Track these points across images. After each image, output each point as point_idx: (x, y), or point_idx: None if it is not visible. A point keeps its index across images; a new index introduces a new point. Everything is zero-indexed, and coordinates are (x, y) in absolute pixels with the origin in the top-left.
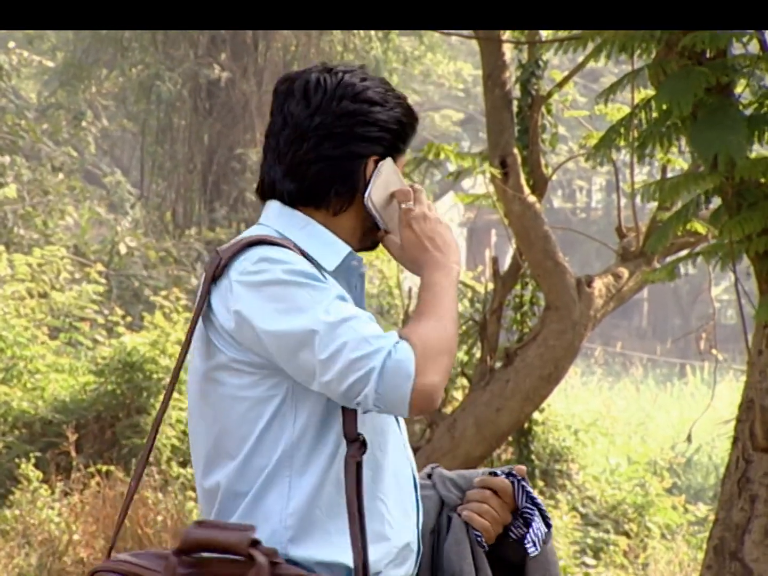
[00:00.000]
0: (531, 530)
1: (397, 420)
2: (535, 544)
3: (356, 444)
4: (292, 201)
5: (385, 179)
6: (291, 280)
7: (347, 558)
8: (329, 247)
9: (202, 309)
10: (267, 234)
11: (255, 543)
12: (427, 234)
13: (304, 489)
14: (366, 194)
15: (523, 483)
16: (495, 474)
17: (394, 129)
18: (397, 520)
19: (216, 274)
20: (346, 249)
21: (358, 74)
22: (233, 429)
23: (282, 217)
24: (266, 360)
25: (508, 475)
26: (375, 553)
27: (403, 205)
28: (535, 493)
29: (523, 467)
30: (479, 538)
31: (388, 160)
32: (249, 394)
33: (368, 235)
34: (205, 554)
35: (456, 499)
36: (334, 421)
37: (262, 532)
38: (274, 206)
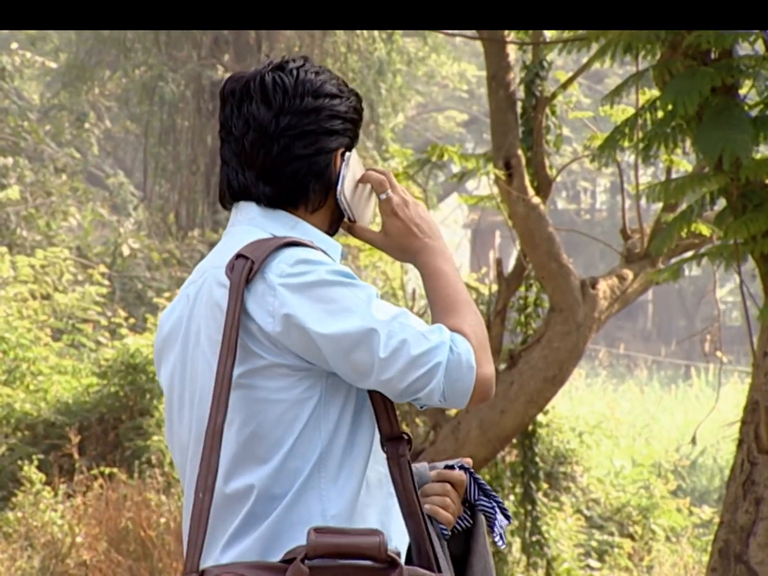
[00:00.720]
0: (495, 525)
1: None
2: (501, 537)
3: (403, 442)
4: (271, 203)
5: (352, 170)
6: (335, 280)
7: None
8: (326, 244)
9: (240, 314)
10: (295, 236)
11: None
12: (414, 220)
13: (346, 491)
14: (338, 188)
15: (476, 476)
16: (451, 467)
17: (354, 119)
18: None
19: (249, 278)
20: (338, 245)
21: (309, 68)
22: (266, 432)
23: (269, 218)
24: (306, 362)
25: (461, 467)
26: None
27: (382, 195)
28: (487, 485)
29: (469, 459)
30: (444, 532)
31: (354, 151)
32: (285, 397)
33: (336, 225)
34: (329, 561)
35: None
36: (365, 424)
37: (302, 534)
38: (252, 208)
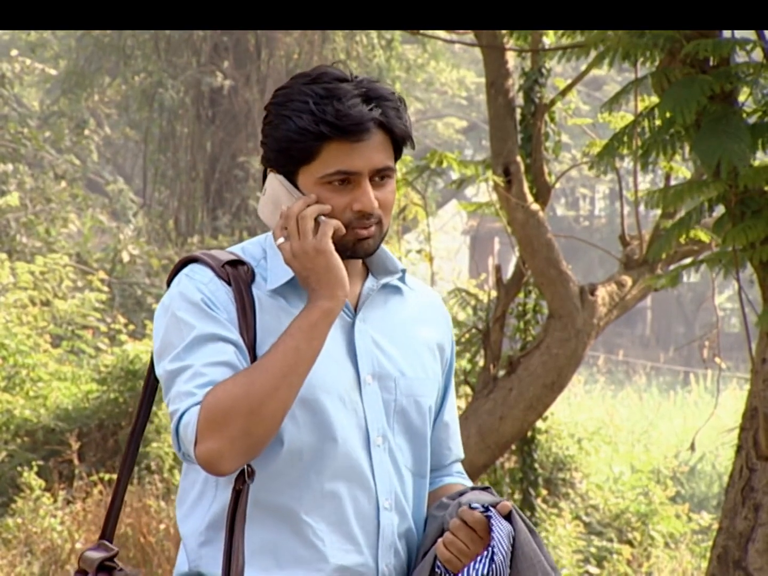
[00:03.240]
0: (468, 567)
1: (368, 444)
2: None
3: (243, 474)
4: None
5: (271, 194)
6: (175, 313)
7: None
8: (285, 265)
9: None
10: (206, 251)
11: (103, 567)
12: (301, 274)
13: (217, 507)
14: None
15: (493, 521)
16: (476, 508)
17: (271, 145)
18: (332, 543)
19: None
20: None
21: (297, 85)
22: None
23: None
24: None
25: (486, 509)
26: None
27: (277, 241)
28: (500, 535)
29: (507, 504)
30: (438, 569)
31: (272, 176)
32: None
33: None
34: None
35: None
36: None
37: (186, 546)
38: None
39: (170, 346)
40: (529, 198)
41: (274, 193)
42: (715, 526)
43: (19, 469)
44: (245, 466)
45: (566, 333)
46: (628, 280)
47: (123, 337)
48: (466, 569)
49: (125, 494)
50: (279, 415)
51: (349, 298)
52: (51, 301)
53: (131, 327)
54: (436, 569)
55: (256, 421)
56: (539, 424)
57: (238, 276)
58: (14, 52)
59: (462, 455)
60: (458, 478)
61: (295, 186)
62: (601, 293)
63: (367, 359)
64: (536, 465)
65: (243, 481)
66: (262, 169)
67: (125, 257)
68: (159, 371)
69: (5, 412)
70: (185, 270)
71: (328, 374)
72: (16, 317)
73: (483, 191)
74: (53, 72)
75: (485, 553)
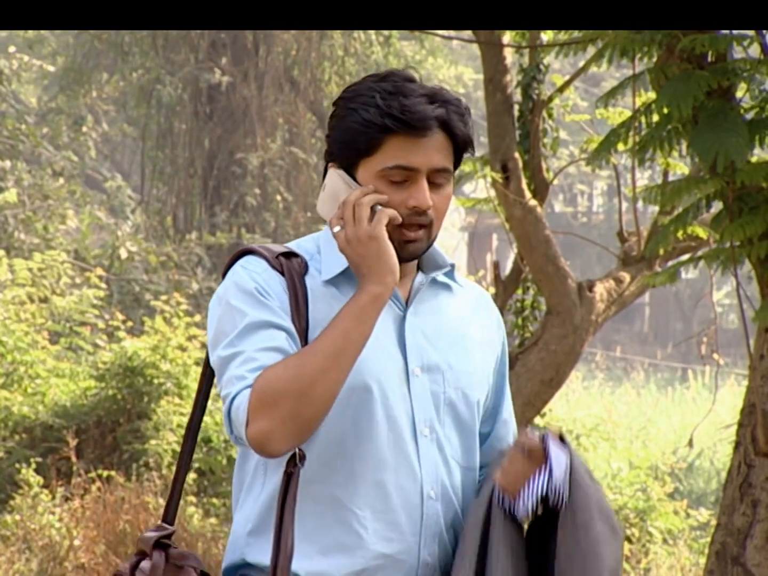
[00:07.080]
0: (526, 484)
1: (414, 435)
2: (524, 504)
3: (294, 457)
4: None
5: (331, 188)
6: (229, 302)
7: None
8: (339, 256)
9: None
10: (264, 244)
11: (159, 545)
12: (354, 260)
13: (266, 494)
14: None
15: (549, 441)
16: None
17: (336, 138)
18: (376, 531)
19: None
20: (340, 262)
21: (367, 82)
22: None
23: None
24: None
25: (545, 436)
26: (330, 564)
27: (334, 230)
28: (558, 454)
29: (556, 429)
30: (497, 499)
31: (332, 170)
32: None
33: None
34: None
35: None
36: None
37: (235, 533)
38: None
39: (223, 334)
40: (527, 194)
41: (334, 188)
42: (714, 522)
43: (17, 466)
44: (296, 450)
45: (564, 329)
46: (626, 277)
47: (121, 333)
48: (524, 487)
49: (184, 483)
50: (329, 397)
51: (401, 292)
52: (49, 297)
53: (129, 324)
54: (494, 499)
55: (306, 402)
56: (537, 420)
57: (291, 267)
58: (12, 49)
59: None
60: None
61: (354, 180)
62: (599, 289)
63: (416, 351)
64: None
65: (294, 464)
66: (322, 165)
67: (123, 254)
68: (213, 359)
69: (3, 408)
70: (240, 261)
71: (378, 364)
72: (14, 314)
73: (481, 187)
74: (51, 68)
75: (542, 468)
